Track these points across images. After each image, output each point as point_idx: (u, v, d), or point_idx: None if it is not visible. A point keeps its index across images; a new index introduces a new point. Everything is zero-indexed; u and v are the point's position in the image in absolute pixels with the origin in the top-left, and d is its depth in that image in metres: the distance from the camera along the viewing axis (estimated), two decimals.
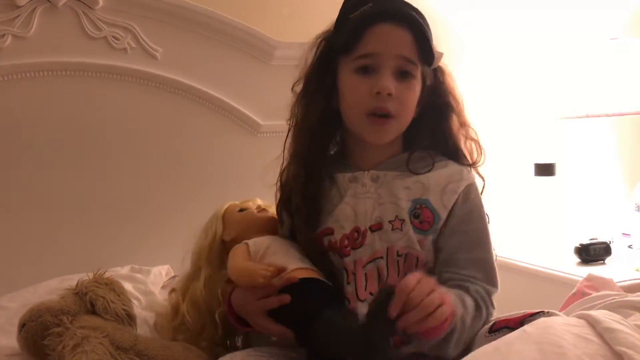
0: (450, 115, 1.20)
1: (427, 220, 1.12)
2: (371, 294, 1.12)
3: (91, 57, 1.74)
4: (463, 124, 1.21)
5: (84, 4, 1.72)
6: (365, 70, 1.12)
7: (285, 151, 1.24)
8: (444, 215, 1.13)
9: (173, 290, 1.35)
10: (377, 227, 1.13)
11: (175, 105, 1.86)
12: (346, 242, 1.14)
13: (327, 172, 1.20)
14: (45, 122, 1.71)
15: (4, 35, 1.64)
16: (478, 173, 1.22)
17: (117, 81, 1.78)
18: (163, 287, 1.65)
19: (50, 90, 1.71)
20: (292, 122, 1.22)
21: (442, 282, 1.09)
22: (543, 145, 2.28)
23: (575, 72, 2.15)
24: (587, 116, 2.14)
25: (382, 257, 1.12)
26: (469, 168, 1.19)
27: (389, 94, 1.10)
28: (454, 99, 1.21)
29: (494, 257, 1.17)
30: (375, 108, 1.11)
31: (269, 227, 1.27)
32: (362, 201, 1.15)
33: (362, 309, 1.08)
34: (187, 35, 1.86)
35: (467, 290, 1.10)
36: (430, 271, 1.13)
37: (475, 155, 1.21)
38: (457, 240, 1.13)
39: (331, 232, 1.16)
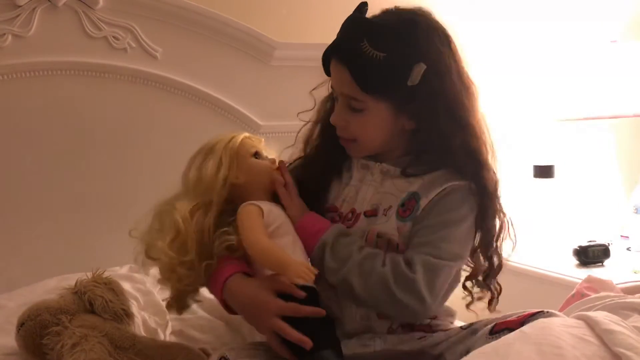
0: (443, 121, 1.15)
1: (410, 209, 1.16)
2: None
3: (91, 56, 1.74)
4: (462, 126, 1.17)
5: (84, 3, 1.72)
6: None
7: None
8: (424, 204, 1.15)
9: (175, 208, 1.22)
10: (371, 214, 1.19)
11: (175, 105, 1.86)
12: (338, 219, 1.22)
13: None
14: (45, 122, 1.70)
15: (4, 34, 1.63)
16: (490, 175, 1.18)
17: (117, 81, 1.78)
18: (162, 287, 1.65)
19: (50, 90, 1.71)
20: (314, 120, 1.29)
21: None
22: (542, 147, 2.28)
23: (574, 74, 2.15)
24: (586, 118, 2.14)
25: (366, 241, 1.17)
26: (462, 178, 1.17)
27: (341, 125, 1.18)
28: (445, 103, 1.15)
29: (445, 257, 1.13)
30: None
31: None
32: (365, 187, 1.22)
33: None
34: (187, 36, 1.86)
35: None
36: None
37: (482, 156, 1.18)
38: (421, 225, 1.15)
39: (335, 210, 1.23)
